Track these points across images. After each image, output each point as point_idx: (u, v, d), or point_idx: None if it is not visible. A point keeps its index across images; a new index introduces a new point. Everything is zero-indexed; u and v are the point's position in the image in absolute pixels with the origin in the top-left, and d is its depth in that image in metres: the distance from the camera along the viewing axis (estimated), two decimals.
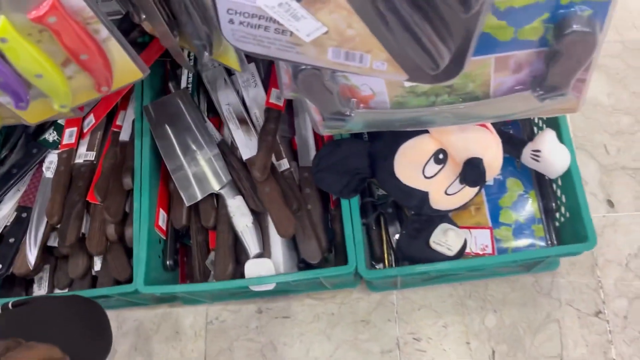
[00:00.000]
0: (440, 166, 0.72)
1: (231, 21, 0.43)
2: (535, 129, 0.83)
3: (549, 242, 0.79)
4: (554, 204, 0.78)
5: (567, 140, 0.73)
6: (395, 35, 0.38)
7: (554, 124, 0.75)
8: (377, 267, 0.85)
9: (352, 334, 0.86)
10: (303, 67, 0.48)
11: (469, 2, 0.33)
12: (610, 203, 0.88)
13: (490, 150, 0.70)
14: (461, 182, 0.71)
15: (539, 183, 0.81)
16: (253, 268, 0.74)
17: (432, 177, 0.72)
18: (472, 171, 0.69)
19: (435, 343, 0.84)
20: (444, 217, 0.78)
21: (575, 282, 0.84)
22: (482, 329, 0.84)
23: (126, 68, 0.55)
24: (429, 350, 0.84)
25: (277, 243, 0.78)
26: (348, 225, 0.74)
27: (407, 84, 0.54)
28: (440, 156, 0.72)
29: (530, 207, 0.80)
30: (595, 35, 0.44)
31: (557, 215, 0.78)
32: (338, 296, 0.89)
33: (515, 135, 0.78)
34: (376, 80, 0.53)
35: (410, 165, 0.72)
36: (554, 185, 0.79)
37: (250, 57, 0.69)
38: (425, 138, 0.72)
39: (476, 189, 0.75)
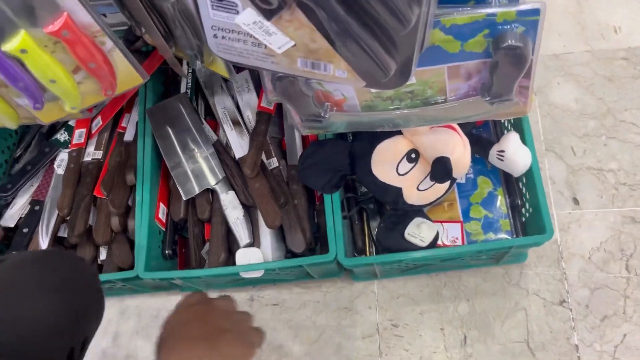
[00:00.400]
0: (412, 164, 0.80)
1: (215, 36, 0.50)
2: (505, 131, 0.90)
3: (515, 236, 0.86)
4: (519, 201, 0.85)
5: (529, 142, 0.80)
6: (349, 50, 0.46)
7: (519, 126, 0.83)
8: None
9: (335, 320, 0.93)
10: (280, 74, 0.55)
11: (403, 21, 0.40)
12: (576, 201, 0.94)
13: (456, 150, 0.77)
14: (431, 179, 0.79)
15: (506, 181, 0.88)
16: (243, 256, 0.82)
17: (405, 174, 0.80)
18: (439, 169, 0.76)
19: (412, 329, 0.91)
20: (418, 211, 0.85)
21: (542, 273, 0.91)
22: (455, 316, 0.91)
23: (129, 74, 0.63)
24: (406, 335, 0.91)
25: (266, 234, 0.85)
26: (330, 218, 0.81)
27: (374, 90, 0.61)
28: (413, 155, 0.79)
29: (498, 203, 0.87)
30: (527, 49, 0.52)
31: (523, 211, 0.85)
32: (324, 285, 0.96)
33: (483, 137, 0.86)
34: (345, 86, 0.61)
35: (385, 163, 0.80)
36: (520, 184, 0.86)
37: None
38: (399, 139, 0.79)
39: (446, 186, 0.82)
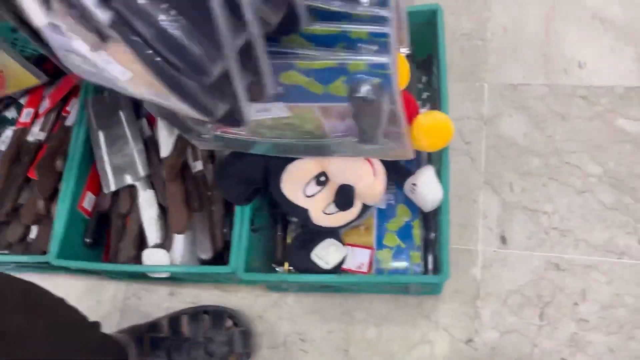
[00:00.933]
0: (320, 187, 0.79)
1: (66, 57, 0.51)
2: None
3: (423, 270, 0.84)
4: (433, 235, 0.84)
5: (444, 178, 0.78)
6: (175, 92, 0.45)
7: (438, 161, 0.81)
8: (278, 269, 0.93)
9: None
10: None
11: (200, 78, 0.40)
12: (504, 239, 0.92)
13: (364, 179, 0.76)
14: (335, 205, 0.78)
15: (423, 213, 0.86)
16: (148, 256, 0.83)
17: (311, 196, 0.79)
18: (341, 196, 0.75)
19: (317, 346, 0.92)
20: (332, 232, 0.85)
21: (455, 309, 0.90)
22: (362, 339, 0.91)
23: (22, 76, 0.64)
24: (311, 351, 0.92)
25: (179, 238, 0.86)
26: (236, 229, 0.82)
27: (253, 117, 0.61)
28: (322, 179, 0.79)
29: (413, 234, 0.86)
30: (379, 102, 0.50)
31: (436, 246, 0.84)
32: (242, 291, 0.97)
33: (403, 167, 0.84)
34: None
35: (294, 183, 0.79)
36: (436, 218, 0.84)
37: None
38: (310, 161, 0.78)
39: (356, 212, 0.81)
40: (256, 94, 0.49)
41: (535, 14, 1.04)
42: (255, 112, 0.58)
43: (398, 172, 0.83)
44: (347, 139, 0.60)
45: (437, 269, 0.84)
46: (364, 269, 0.84)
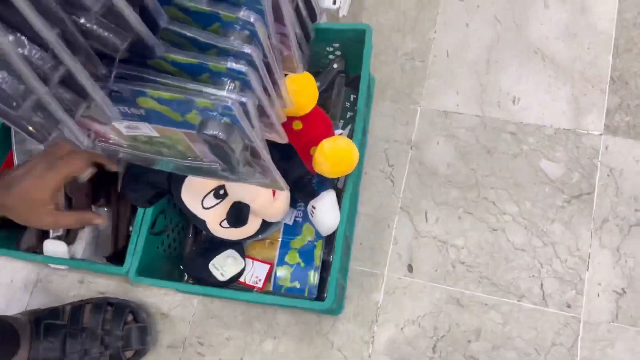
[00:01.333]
0: (218, 200, 0.79)
1: None
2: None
3: (317, 292, 0.84)
4: (331, 258, 0.84)
5: (344, 204, 0.78)
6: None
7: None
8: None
9: (151, 324, 0.95)
10: None
11: (11, 109, 0.39)
12: (410, 267, 0.92)
13: (260, 198, 0.76)
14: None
15: (326, 236, 0.86)
16: (47, 247, 0.84)
17: (209, 208, 0.79)
18: (232, 214, 0.75)
19: (214, 351, 0.93)
20: (236, 243, 0.85)
21: (352, 331, 0.90)
22: (258, 350, 0.91)
23: None
24: (207, 355, 0.93)
25: (83, 233, 0.87)
26: (135, 231, 0.82)
27: (125, 132, 0.60)
28: (221, 192, 0.78)
29: (314, 254, 0.86)
30: (229, 140, 0.50)
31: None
32: (151, 288, 0.98)
33: (310, 187, 0.83)
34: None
35: (193, 193, 0.79)
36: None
37: None
38: None
39: (255, 227, 0.81)
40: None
41: (480, 41, 1.02)
42: (124, 128, 0.58)
43: (304, 192, 0.83)
44: (214, 165, 0.59)
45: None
46: (259, 284, 0.84)
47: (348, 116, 0.92)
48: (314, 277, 0.85)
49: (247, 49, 0.51)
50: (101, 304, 0.93)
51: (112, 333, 0.90)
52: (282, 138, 0.63)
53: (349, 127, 0.91)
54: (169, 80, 0.52)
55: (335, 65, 0.94)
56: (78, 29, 0.43)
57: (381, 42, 1.05)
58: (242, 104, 0.49)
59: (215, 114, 0.50)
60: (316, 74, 0.94)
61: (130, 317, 0.92)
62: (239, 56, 0.52)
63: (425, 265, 0.92)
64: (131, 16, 0.44)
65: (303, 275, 0.85)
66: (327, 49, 0.93)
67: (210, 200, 0.79)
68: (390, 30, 1.06)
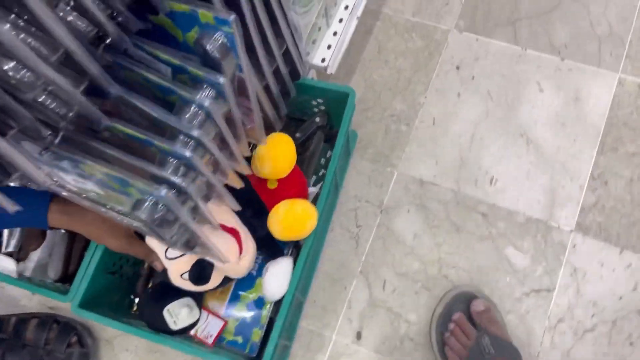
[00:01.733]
0: (183, 253, 0.77)
1: None
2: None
3: (258, 352, 0.83)
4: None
5: (296, 273, 0.77)
6: None
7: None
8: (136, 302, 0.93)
9: (97, 353, 0.94)
10: None
11: None
12: (359, 335, 0.91)
13: (226, 258, 0.75)
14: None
15: None
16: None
17: (173, 259, 0.78)
18: (194, 271, 0.74)
19: None
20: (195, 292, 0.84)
21: None
22: None
23: None
24: None
25: (36, 252, 0.86)
26: (83, 265, 0.81)
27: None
28: None
29: (261, 312, 0.85)
30: (157, 232, 0.49)
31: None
32: None
33: (275, 246, 0.82)
34: None
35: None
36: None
37: None
38: None
39: (214, 283, 0.80)
40: None
41: (468, 114, 1.01)
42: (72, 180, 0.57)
43: (269, 250, 0.82)
44: None
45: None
46: (210, 340, 0.83)
47: (321, 173, 0.91)
48: (257, 335, 0.84)
49: (196, 133, 0.50)
50: (47, 321, 0.92)
51: (54, 354, 0.89)
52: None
53: (320, 184, 0.90)
54: (114, 152, 0.51)
55: (317, 119, 0.93)
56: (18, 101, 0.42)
57: (371, 99, 1.04)
58: (180, 194, 0.48)
59: (147, 201, 0.49)
60: (301, 121, 0.93)
61: (74, 339, 0.91)
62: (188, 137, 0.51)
63: (374, 335, 0.91)
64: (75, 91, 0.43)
65: (247, 331, 0.84)
66: (312, 102, 0.92)
67: (174, 251, 0.77)
68: (382, 88, 1.05)
